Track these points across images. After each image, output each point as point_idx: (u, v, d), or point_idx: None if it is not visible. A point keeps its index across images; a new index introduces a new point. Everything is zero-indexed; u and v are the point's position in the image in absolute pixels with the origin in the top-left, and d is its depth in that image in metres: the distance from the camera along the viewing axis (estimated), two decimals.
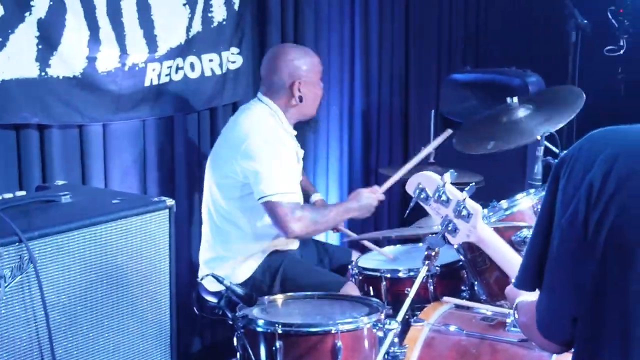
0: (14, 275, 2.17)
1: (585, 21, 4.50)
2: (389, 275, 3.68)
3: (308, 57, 3.86)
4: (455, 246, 3.03)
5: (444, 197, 2.33)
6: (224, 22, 4.35)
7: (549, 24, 5.94)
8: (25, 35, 3.50)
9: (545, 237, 1.62)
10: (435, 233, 2.47)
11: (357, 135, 5.39)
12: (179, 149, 4.27)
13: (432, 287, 3.63)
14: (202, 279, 3.22)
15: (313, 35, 4.97)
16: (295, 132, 3.88)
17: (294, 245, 3.96)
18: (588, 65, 4.91)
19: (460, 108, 5.12)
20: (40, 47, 3.55)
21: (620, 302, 1.49)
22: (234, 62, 4.45)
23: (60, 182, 2.91)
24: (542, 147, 3.54)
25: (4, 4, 3.41)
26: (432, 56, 5.95)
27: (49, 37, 3.58)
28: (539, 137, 3.62)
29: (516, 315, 1.97)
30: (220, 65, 4.36)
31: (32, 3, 3.50)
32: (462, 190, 2.39)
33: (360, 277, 3.74)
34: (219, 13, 4.32)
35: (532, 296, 1.98)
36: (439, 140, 4.05)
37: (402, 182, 4.25)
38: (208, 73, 4.31)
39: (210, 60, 4.32)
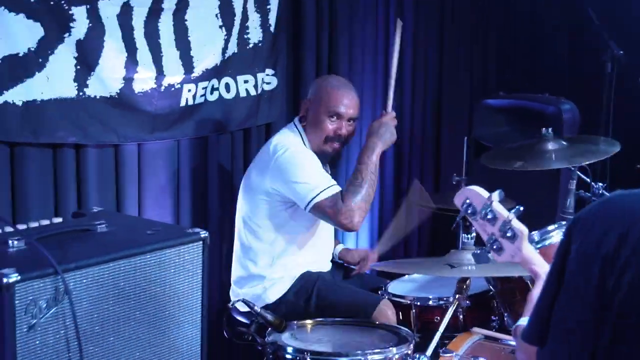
0: (49, 307, 2.19)
1: (621, 52, 4.48)
2: (418, 303, 3.68)
3: (330, 88, 3.81)
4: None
5: (490, 215, 2.29)
6: (260, 44, 4.37)
7: (585, 53, 5.89)
8: (64, 56, 3.54)
9: (556, 294, 1.63)
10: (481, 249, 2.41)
11: (388, 160, 5.37)
12: (212, 169, 4.29)
13: (461, 317, 3.63)
14: (233, 304, 3.26)
15: (347, 57, 4.98)
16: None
17: (326, 267, 3.97)
18: (622, 94, 4.87)
19: (493, 133, 5.09)
20: (78, 67, 3.59)
21: None
22: (269, 83, 4.47)
23: (96, 209, 2.93)
24: (575, 181, 3.52)
25: (43, 26, 3.45)
26: (465, 82, 5.91)
27: (87, 58, 3.61)
28: (571, 168, 3.61)
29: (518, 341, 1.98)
30: (255, 86, 4.38)
31: (71, 25, 3.54)
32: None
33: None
34: (255, 35, 4.34)
35: None
36: (398, 35, 4.01)
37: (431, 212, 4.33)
38: (243, 94, 4.33)
39: (246, 82, 4.34)
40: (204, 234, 2.56)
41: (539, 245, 3.51)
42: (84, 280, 2.24)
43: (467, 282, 3.14)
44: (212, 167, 4.30)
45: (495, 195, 2.25)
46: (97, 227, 2.48)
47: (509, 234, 2.24)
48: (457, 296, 3.18)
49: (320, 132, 3.79)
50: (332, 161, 3.93)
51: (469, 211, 2.31)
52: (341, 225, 3.58)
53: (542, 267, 2.23)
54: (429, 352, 2.99)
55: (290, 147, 3.73)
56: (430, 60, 5.62)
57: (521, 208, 2.27)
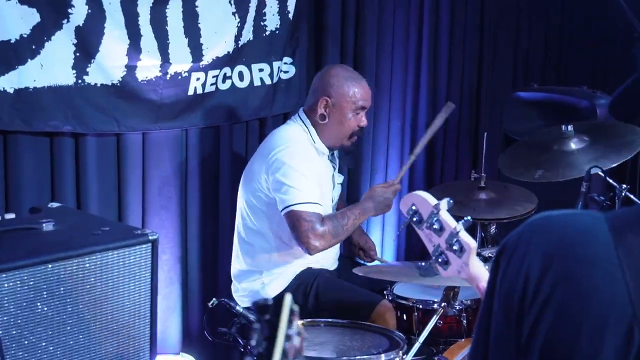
0: None
1: None
2: (420, 306, 3.54)
3: (350, 82, 3.66)
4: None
5: (436, 226, 2.07)
6: (277, 32, 4.22)
7: (623, 46, 5.59)
8: (62, 42, 3.46)
9: (488, 326, 1.44)
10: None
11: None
12: (225, 159, 4.17)
13: (465, 322, 3.46)
14: (212, 305, 3.15)
15: (375, 44, 4.77)
16: (327, 152, 3.73)
17: (330, 265, 3.84)
18: None
19: (524, 127, 4.82)
20: (77, 54, 3.51)
21: None
22: (286, 72, 4.33)
23: (54, 205, 2.83)
24: (588, 183, 3.30)
25: (40, 11, 3.38)
26: (508, 71, 5.64)
27: (86, 45, 3.53)
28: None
29: None
30: (271, 75, 4.24)
31: (70, 11, 3.46)
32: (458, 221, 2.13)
33: (394, 305, 3.60)
34: (272, 21, 4.19)
35: None
36: (442, 115, 3.84)
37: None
38: (257, 83, 4.20)
39: (261, 70, 4.20)
40: (153, 235, 2.42)
41: None
42: (10, 284, 2.13)
43: (455, 289, 2.96)
44: (225, 157, 4.17)
45: (443, 203, 2.03)
46: (42, 226, 2.37)
47: (455, 247, 2.02)
48: (442, 304, 3.01)
49: (345, 129, 3.69)
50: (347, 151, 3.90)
51: (415, 219, 2.10)
52: (305, 242, 3.46)
53: None
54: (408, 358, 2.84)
55: (294, 145, 3.60)
56: (468, 46, 5.35)
57: (470, 219, 2.06)
